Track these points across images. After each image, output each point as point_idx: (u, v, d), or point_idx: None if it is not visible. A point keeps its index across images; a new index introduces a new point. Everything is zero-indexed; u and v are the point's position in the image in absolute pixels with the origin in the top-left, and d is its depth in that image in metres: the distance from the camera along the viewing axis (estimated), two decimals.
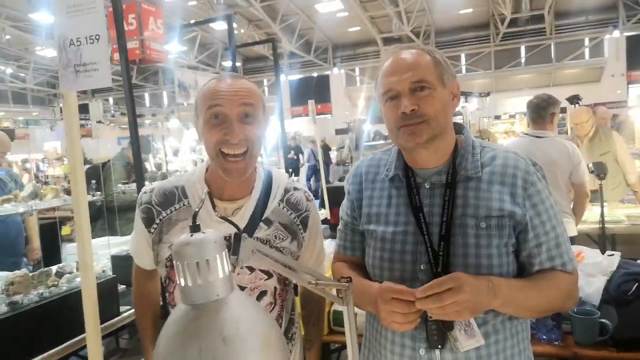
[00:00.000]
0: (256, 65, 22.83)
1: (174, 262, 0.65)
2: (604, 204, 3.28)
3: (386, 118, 1.24)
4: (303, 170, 13.16)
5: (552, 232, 1.18)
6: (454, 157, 1.23)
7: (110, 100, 24.08)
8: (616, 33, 18.63)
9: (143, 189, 1.39)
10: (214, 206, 0.90)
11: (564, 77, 19.82)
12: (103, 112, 21.73)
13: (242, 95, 1.21)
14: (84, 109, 24.38)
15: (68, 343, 2.16)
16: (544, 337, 1.93)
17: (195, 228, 0.66)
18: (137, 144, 2.83)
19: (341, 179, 9.24)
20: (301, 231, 1.37)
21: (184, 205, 1.31)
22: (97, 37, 1.41)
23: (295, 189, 1.41)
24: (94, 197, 3.56)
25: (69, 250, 4.51)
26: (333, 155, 12.67)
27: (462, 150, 1.23)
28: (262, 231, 1.30)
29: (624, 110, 12.57)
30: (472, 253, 1.14)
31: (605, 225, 3.35)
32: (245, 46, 10.99)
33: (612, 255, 2.23)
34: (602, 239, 3.34)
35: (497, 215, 1.15)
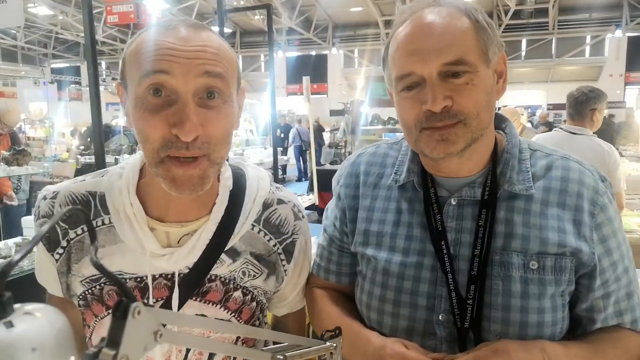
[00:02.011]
0: (254, 39, 22.17)
1: None
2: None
3: (401, 113, 0.85)
4: (291, 151, 12.75)
5: (624, 278, 0.85)
6: (493, 163, 0.87)
7: (103, 64, 23.25)
8: (618, 33, 18.49)
9: (43, 191, 0.90)
10: (93, 239, 0.41)
11: (563, 73, 19.68)
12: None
13: (207, 57, 0.73)
14: (76, 71, 23.68)
15: None
16: None
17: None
18: (98, 109, 2.41)
19: (333, 162, 8.87)
20: (283, 262, 0.95)
21: (103, 224, 0.86)
22: None
23: (280, 201, 0.96)
24: (85, 159, 3.24)
25: (30, 223, 4.13)
26: (326, 136, 12.24)
27: (505, 154, 0.87)
28: (223, 267, 0.88)
29: (622, 111, 12.46)
30: (517, 305, 0.80)
31: None
32: (236, 11, 10.43)
33: None
34: None
35: (556, 253, 0.80)
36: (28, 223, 3.95)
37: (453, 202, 0.87)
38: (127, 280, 0.84)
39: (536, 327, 0.81)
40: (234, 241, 0.88)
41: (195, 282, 0.84)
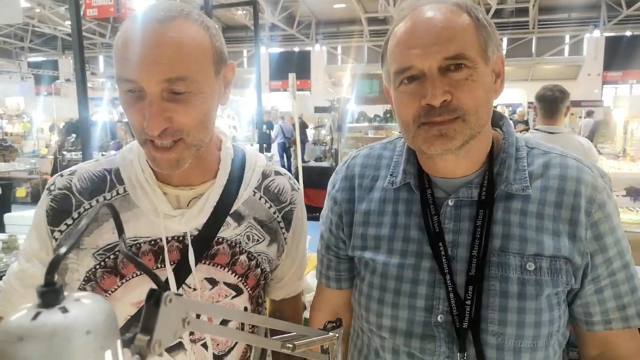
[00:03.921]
0: (237, 34, 21.96)
1: None
2: None
3: (399, 108, 0.84)
4: (274, 147, 12.71)
5: (622, 273, 0.85)
6: (490, 162, 0.87)
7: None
8: (596, 33, 18.90)
9: (59, 172, 0.97)
10: (120, 229, 0.43)
11: (543, 72, 20.02)
12: (73, 70, 20.62)
13: (168, 62, 0.77)
14: (53, 65, 23.15)
15: None
16: None
17: (47, 296, 0.30)
18: (86, 107, 2.39)
19: (317, 159, 8.88)
20: (283, 230, 1.01)
21: (118, 193, 0.92)
22: None
23: (277, 173, 1.04)
24: (71, 156, 3.17)
25: (13, 220, 4.04)
26: (310, 133, 12.23)
27: (502, 154, 0.87)
28: (229, 230, 0.94)
29: (600, 110, 12.76)
30: (514, 306, 0.81)
31: None
32: (221, 7, 10.32)
33: None
34: None
35: (551, 256, 0.82)
36: (10, 220, 3.88)
37: (450, 203, 0.87)
38: (142, 245, 0.89)
39: (533, 327, 0.82)
40: (237, 205, 0.95)
41: (205, 243, 0.90)
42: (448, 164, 0.87)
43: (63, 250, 0.32)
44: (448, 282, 0.84)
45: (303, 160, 8.14)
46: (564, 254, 0.82)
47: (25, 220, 3.37)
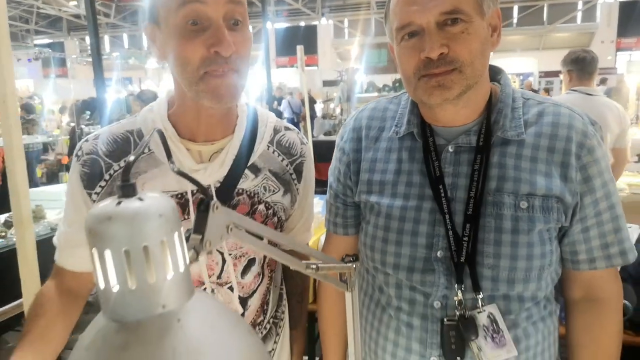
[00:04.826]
0: None
1: (89, 248, 0.37)
2: None
3: (401, 62, 0.91)
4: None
5: (607, 213, 0.91)
6: (488, 112, 0.94)
7: (87, 39, 22.77)
8: None
9: (84, 138, 1.02)
10: (168, 155, 0.50)
11: (555, 40, 19.61)
12: (79, 52, 20.66)
13: None
14: (59, 47, 23.22)
15: (8, 306, 1.89)
16: None
17: (126, 189, 0.38)
18: (102, 81, 2.46)
19: (327, 133, 8.91)
20: (295, 181, 1.08)
21: (143, 152, 0.97)
22: None
23: (287, 128, 1.11)
24: (89, 129, 3.27)
25: (35, 195, 4.19)
26: (318, 108, 12.24)
27: (499, 104, 0.94)
28: (248, 181, 1.01)
29: (613, 77, 12.54)
30: (508, 240, 0.88)
31: None
32: None
33: (630, 227, 2.04)
34: None
35: (543, 195, 0.88)
36: (34, 195, 4.02)
37: (450, 149, 0.93)
38: (171, 198, 0.96)
39: (525, 259, 0.88)
40: (254, 158, 1.02)
41: (227, 194, 0.97)
42: (447, 114, 0.93)
43: (131, 158, 0.39)
44: (447, 221, 0.91)
45: (312, 136, 8.18)
46: (555, 193, 0.88)
47: (47, 195, 3.50)
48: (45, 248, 1.52)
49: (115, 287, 0.37)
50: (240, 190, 0.99)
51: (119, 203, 0.37)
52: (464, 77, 0.85)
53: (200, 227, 0.45)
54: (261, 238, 0.60)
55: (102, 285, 0.37)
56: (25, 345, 0.91)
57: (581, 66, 3.03)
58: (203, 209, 0.45)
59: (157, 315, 0.37)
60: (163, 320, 0.37)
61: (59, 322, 0.97)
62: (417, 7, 0.84)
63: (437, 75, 0.85)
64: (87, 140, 1.00)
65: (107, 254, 0.36)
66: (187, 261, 0.40)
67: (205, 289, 0.99)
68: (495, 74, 1.01)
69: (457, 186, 0.92)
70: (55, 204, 3.26)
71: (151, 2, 0.88)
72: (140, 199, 0.37)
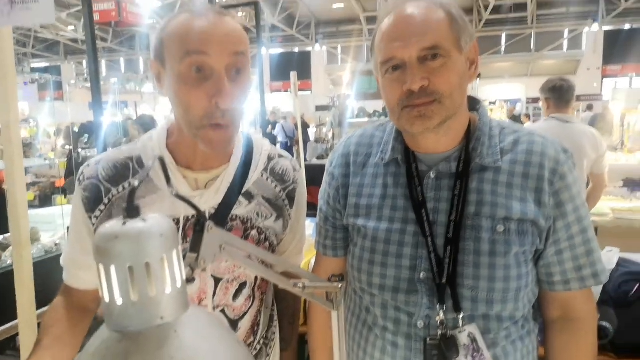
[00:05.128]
0: None
1: (96, 264, 0.42)
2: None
3: (385, 94, 0.97)
4: (278, 148, 12.81)
5: (579, 237, 0.96)
6: (467, 140, 0.99)
7: (84, 63, 22.98)
8: (595, 26, 18.90)
9: (86, 163, 1.07)
10: (167, 178, 0.55)
11: (542, 67, 20.06)
12: (76, 75, 20.83)
13: (234, 40, 0.89)
14: (56, 70, 23.39)
15: (3, 328, 1.89)
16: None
17: (131, 211, 0.42)
18: (100, 105, 2.51)
19: (319, 157, 9.00)
20: (287, 207, 1.13)
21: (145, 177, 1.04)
22: None
23: (281, 156, 1.16)
24: (86, 153, 3.32)
25: (31, 217, 4.18)
26: (311, 132, 12.37)
27: (477, 132, 0.99)
28: (241, 207, 1.05)
29: (598, 104, 12.84)
30: (486, 263, 0.93)
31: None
32: (225, 8, 10.48)
33: (611, 251, 2.09)
34: None
35: (519, 219, 0.93)
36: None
37: (432, 175, 0.98)
38: None
39: (503, 280, 0.92)
40: (248, 185, 1.06)
41: (221, 220, 1.01)
42: (429, 141, 0.99)
43: (136, 183, 0.44)
44: (429, 243, 0.95)
45: (305, 159, 8.26)
46: (530, 217, 0.93)
47: (42, 218, 3.51)
48: (40, 270, 1.54)
49: (119, 300, 0.41)
50: (234, 216, 1.04)
51: (125, 223, 0.41)
52: (443, 108, 0.91)
53: (195, 246, 0.49)
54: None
55: (107, 298, 0.41)
56: (40, 351, 0.96)
57: (558, 94, 3.13)
58: (199, 229, 0.50)
59: (156, 326, 0.41)
60: (161, 331, 0.41)
61: (71, 330, 1.02)
62: (400, 43, 0.91)
63: (418, 106, 0.91)
64: (88, 165, 1.05)
65: (113, 269, 0.40)
66: (184, 277, 0.44)
67: None
68: (474, 104, 1.07)
69: (439, 210, 0.97)
70: (49, 226, 3.27)
71: (157, 41, 0.94)
72: (144, 220, 0.42)
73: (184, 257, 0.49)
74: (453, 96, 0.92)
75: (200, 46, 0.86)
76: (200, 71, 0.88)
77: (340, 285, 0.82)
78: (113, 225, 0.41)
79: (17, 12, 1.19)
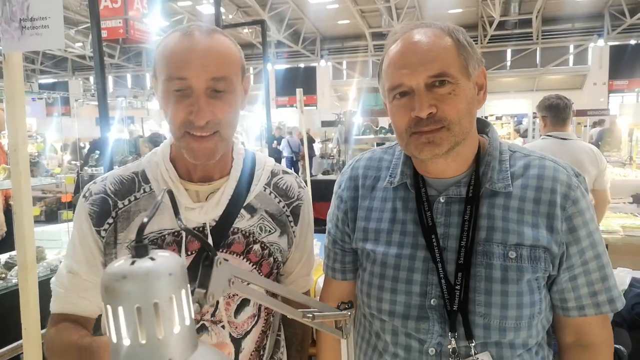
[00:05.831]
0: (243, 52, 22.35)
1: (103, 304, 0.41)
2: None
3: (394, 119, 0.97)
4: (283, 163, 12.88)
5: (594, 263, 0.94)
6: (476, 164, 0.98)
7: (91, 79, 23.30)
8: (600, 42, 18.95)
9: (92, 180, 1.11)
10: (176, 211, 0.55)
11: (548, 82, 20.08)
12: (83, 91, 21.09)
13: (213, 64, 0.93)
14: (63, 86, 23.72)
15: (6, 348, 1.87)
16: None
17: (139, 250, 0.41)
18: (107, 122, 2.53)
19: (325, 172, 8.99)
20: (292, 224, 1.12)
21: (145, 192, 1.04)
22: None
23: (285, 172, 1.16)
24: (94, 171, 3.35)
25: (36, 235, 4.19)
26: (317, 147, 12.39)
27: (487, 157, 0.98)
28: (243, 221, 1.05)
29: (605, 119, 12.77)
30: (498, 289, 0.91)
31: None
32: (231, 27, 10.65)
33: (622, 272, 2.06)
34: None
35: (531, 245, 0.91)
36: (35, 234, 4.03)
37: (442, 200, 0.97)
38: (166, 236, 1.00)
39: (516, 308, 0.90)
40: (250, 198, 1.06)
41: (222, 232, 1.01)
42: (439, 167, 0.98)
43: (146, 219, 0.43)
44: (440, 269, 0.94)
45: (311, 174, 8.25)
46: (542, 243, 0.91)
47: (48, 235, 3.51)
48: (45, 290, 1.53)
49: (127, 341, 0.40)
50: (236, 230, 1.03)
51: (133, 263, 0.40)
52: (452, 135, 0.90)
53: (204, 281, 0.48)
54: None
55: (114, 339, 0.40)
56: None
57: (555, 112, 3.12)
58: (207, 264, 0.49)
59: None
60: None
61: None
62: (407, 70, 0.90)
63: (426, 133, 0.90)
64: (94, 183, 1.07)
65: (120, 310, 0.39)
66: (193, 315, 0.43)
67: (201, 325, 1.01)
68: (483, 126, 1.06)
69: (449, 236, 0.95)
70: (55, 243, 3.27)
71: (154, 58, 0.98)
72: (152, 259, 0.41)
73: (192, 292, 0.48)
74: (461, 122, 0.91)
75: (180, 72, 0.92)
76: (180, 90, 0.93)
77: (349, 314, 0.80)
78: (121, 264, 0.40)
79: (27, 37, 1.20)
